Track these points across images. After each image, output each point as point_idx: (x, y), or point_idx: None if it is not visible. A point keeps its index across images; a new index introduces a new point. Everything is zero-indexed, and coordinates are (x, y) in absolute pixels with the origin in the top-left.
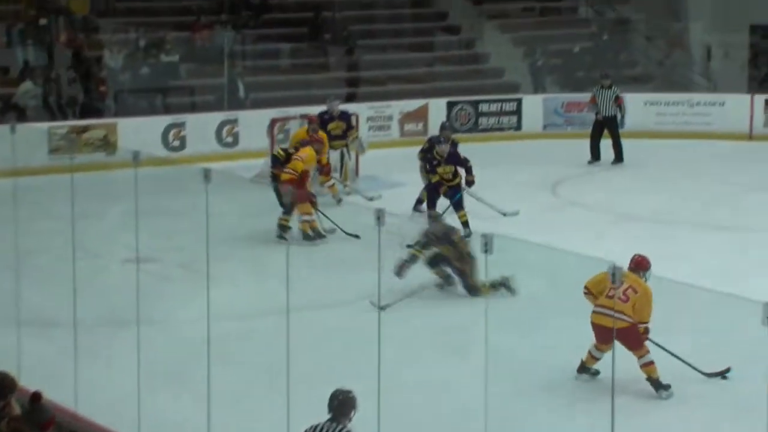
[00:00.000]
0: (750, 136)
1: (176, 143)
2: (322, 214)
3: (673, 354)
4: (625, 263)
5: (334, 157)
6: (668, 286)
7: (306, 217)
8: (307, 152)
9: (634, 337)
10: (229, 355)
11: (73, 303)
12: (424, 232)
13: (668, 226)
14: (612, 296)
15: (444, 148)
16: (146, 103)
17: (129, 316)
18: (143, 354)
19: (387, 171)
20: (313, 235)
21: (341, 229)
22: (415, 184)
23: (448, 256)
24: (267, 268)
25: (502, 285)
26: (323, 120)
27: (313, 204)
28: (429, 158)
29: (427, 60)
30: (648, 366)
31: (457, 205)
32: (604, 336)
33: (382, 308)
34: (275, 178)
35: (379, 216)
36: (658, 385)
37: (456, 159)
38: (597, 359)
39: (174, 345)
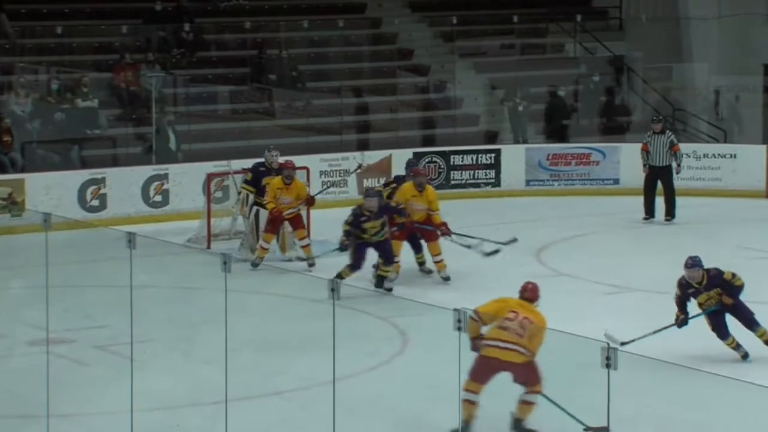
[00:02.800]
0: (767, 194)
1: (95, 203)
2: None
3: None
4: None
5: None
6: (667, 369)
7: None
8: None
9: (535, 372)
10: None
11: None
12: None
13: (669, 299)
14: (506, 327)
15: (373, 203)
16: (59, 156)
17: (36, 409)
18: None
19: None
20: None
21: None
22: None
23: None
24: (201, 350)
25: None
26: (259, 173)
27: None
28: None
29: (389, 105)
30: (528, 406)
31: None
32: (492, 371)
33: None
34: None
35: (334, 288)
36: (521, 428)
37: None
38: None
39: None
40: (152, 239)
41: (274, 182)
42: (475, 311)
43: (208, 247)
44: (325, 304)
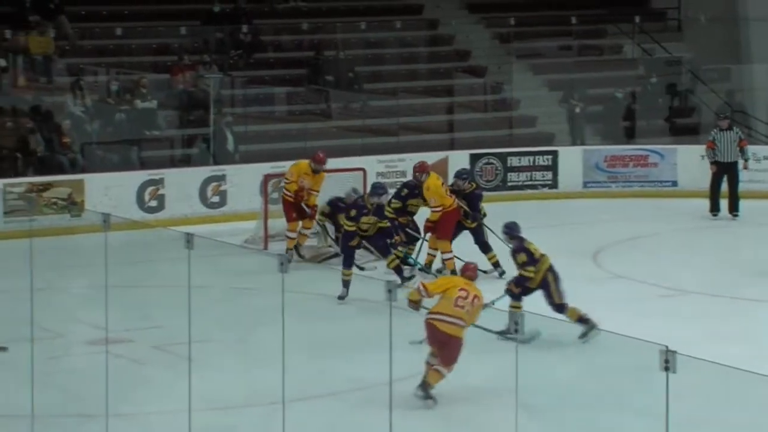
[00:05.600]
0: None
1: (153, 203)
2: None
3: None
4: (671, 343)
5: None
6: (724, 372)
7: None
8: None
9: (456, 351)
10: None
11: (30, 391)
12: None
13: (726, 302)
14: (463, 306)
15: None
16: (118, 157)
17: (95, 408)
18: None
19: None
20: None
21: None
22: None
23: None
24: (257, 350)
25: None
26: (337, 208)
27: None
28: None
29: (446, 106)
30: (437, 374)
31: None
32: (436, 340)
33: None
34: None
35: (390, 289)
36: (427, 394)
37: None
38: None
39: None
40: (209, 240)
41: (302, 165)
42: (423, 285)
43: (265, 247)
44: (381, 304)
